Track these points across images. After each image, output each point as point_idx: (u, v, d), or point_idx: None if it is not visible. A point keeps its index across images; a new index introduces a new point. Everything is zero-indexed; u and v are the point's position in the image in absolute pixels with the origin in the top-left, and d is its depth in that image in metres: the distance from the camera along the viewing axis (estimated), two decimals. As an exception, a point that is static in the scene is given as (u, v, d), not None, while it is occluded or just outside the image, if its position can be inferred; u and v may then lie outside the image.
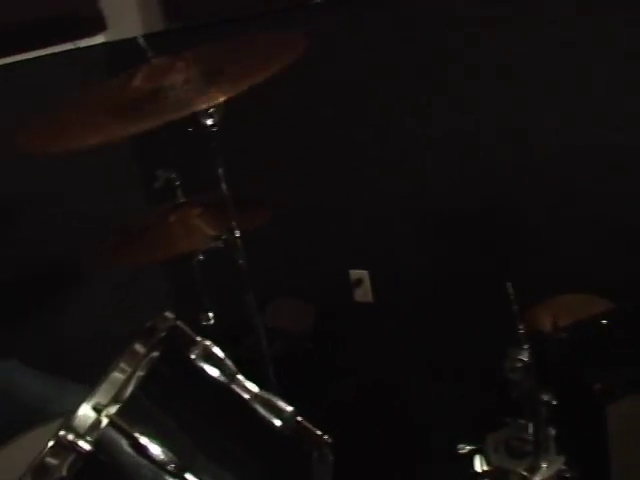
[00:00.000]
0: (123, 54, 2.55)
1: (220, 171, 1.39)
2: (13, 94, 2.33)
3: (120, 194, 2.61)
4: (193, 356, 1.16)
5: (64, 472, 1.00)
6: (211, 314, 1.80)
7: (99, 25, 2.55)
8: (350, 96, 2.24)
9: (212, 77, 1.37)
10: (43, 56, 2.40)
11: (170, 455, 1.02)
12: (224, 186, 1.39)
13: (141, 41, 1.41)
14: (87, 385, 1.71)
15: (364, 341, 2.49)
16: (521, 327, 1.48)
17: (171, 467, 1.01)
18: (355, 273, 2.49)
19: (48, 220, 2.45)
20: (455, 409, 2.05)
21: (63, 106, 1.53)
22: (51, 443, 1.02)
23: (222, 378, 1.17)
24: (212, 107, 1.34)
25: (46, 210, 2.43)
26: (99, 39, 2.58)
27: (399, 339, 2.40)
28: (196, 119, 1.36)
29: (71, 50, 2.49)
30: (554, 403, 1.43)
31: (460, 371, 2.17)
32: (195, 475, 1.03)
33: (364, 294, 2.50)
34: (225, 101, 1.30)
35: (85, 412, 1.00)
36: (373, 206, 2.35)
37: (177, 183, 1.67)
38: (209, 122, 1.34)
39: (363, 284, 2.49)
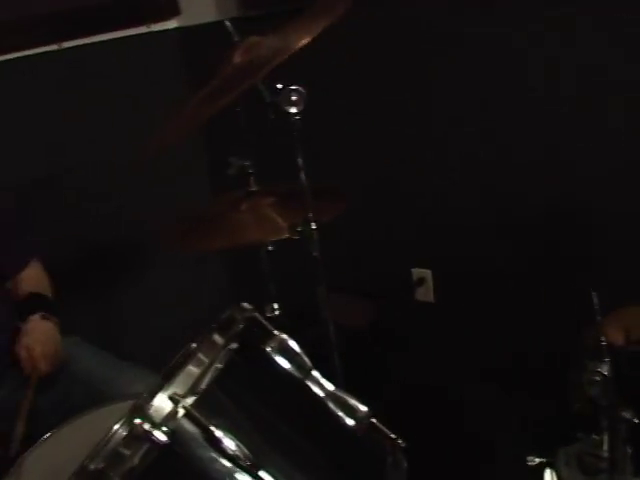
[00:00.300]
0: (196, 39, 2.57)
1: (300, 161, 1.34)
2: (87, 75, 2.33)
3: (187, 180, 2.60)
4: (269, 349, 1.12)
5: (136, 461, 0.97)
6: (276, 305, 1.76)
7: (173, 10, 2.55)
8: (426, 93, 2.18)
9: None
10: (118, 38, 2.40)
11: (244, 451, 0.98)
12: (303, 176, 1.34)
13: (228, 25, 1.36)
14: (144, 369, 1.72)
15: (423, 341, 2.43)
16: (602, 339, 1.40)
17: (245, 463, 0.97)
18: (418, 272, 2.43)
19: (115, 202, 2.45)
20: (521, 418, 1.98)
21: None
22: (125, 431, 0.99)
23: (297, 373, 1.13)
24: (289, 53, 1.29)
25: (113, 192, 2.43)
26: (172, 24, 2.57)
27: (459, 341, 2.34)
28: (278, 107, 1.32)
29: (145, 34, 2.48)
30: (635, 421, 1.35)
31: (525, 379, 2.10)
32: (269, 473, 0.99)
33: (426, 293, 2.44)
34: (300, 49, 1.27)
35: (161, 402, 0.97)
36: (441, 205, 2.29)
37: (250, 171, 1.63)
38: (292, 110, 1.29)
39: (425, 283, 2.43)
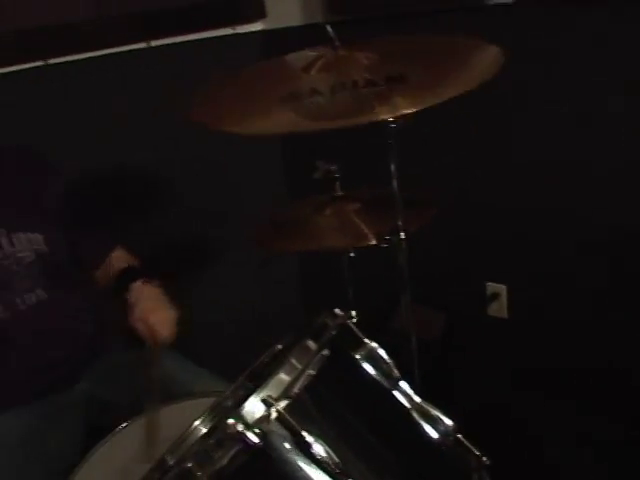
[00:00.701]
0: (279, 42, 2.58)
1: (393, 168, 1.33)
2: (173, 73, 2.37)
3: (264, 181, 2.63)
4: (358, 356, 1.12)
5: (225, 462, 0.97)
6: (354, 312, 1.75)
7: (259, 12, 2.57)
8: (524, 104, 2.14)
9: (395, 83, 1.30)
10: (203, 39, 2.43)
11: (334, 458, 0.97)
12: (395, 184, 1.33)
13: (329, 29, 1.36)
14: (218, 376, 1.73)
15: (493, 357, 2.40)
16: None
17: (334, 471, 0.97)
18: (492, 286, 2.40)
19: (191, 200, 2.48)
20: (597, 445, 1.92)
21: (236, 81, 1.50)
22: (207, 428, 1.00)
23: (384, 383, 1.12)
24: (395, 119, 1.27)
25: (193, 191, 2.47)
26: (257, 26, 2.59)
27: (531, 361, 2.30)
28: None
29: (230, 35, 2.51)
30: None
31: (602, 403, 2.05)
32: (357, 482, 0.98)
33: (499, 309, 2.41)
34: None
35: (254, 404, 0.97)
36: (521, 220, 2.25)
37: (336, 176, 1.63)
38: (389, 117, 1.28)
39: (499, 299, 2.39)
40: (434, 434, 1.13)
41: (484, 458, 1.16)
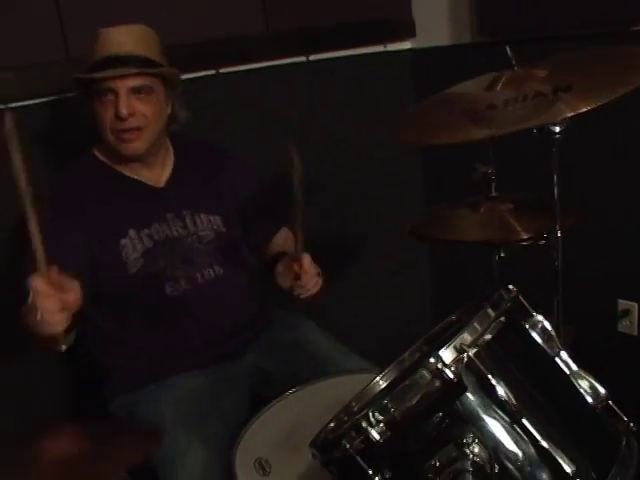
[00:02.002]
0: (427, 61, 2.89)
1: (555, 177, 1.59)
2: (328, 86, 2.73)
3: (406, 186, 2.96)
4: (527, 326, 1.40)
5: (415, 401, 1.26)
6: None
7: (409, 32, 2.90)
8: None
9: (561, 93, 1.51)
10: (357, 55, 2.79)
11: (511, 399, 1.25)
12: (556, 192, 1.59)
13: (508, 50, 1.63)
14: (363, 357, 2.03)
15: (622, 374, 2.56)
16: None
17: (512, 409, 1.25)
18: (624, 303, 2.59)
19: (335, 200, 2.79)
20: None
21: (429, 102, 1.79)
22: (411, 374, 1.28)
23: (549, 351, 1.40)
24: (556, 123, 1.53)
25: (335, 192, 2.78)
26: (407, 45, 2.92)
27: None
28: (542, 125, 1.57)
29: (381, 52, 2.85)
30: None
31: None
32: (529, 422, 1.26)
33: (629, 326, 2.59)
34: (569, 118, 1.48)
35: (449, 350, 1.26)
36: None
37: (493, 178, 1.89)
38: (556, 129, 1.55)
39: (630, 316, 2.58)
40: (589, 399, 1.39)
41: (631, 424, 1.41)
